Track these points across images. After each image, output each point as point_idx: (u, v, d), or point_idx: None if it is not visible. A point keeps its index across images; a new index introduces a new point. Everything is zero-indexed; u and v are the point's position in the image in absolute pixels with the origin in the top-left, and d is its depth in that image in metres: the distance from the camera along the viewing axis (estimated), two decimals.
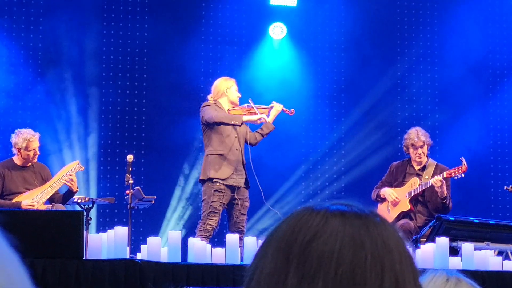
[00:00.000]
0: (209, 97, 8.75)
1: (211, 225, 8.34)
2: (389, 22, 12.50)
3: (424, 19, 12.56)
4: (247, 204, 8.59)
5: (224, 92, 8.66)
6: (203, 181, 8.61)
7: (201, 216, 8.63)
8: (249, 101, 8.76)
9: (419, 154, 8.93)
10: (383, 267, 1.23)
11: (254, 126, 8.94)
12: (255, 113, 8.65)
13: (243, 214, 8.53)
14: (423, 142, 8.92)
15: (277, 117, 8.83)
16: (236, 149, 8.54)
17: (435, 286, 2.11)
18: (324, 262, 1.23)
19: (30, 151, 8.63)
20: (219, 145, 8.50)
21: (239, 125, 8.48)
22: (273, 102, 8.79)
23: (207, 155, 8.61)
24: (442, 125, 12.23)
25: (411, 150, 8.98)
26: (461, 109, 12.31)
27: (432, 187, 8.70)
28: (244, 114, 8.62)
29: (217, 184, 8.39)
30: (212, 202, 8.36)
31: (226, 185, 8.43)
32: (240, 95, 8.74)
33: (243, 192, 8.56)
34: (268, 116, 8.71)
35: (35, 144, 8.66)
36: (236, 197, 8.46)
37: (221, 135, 8.52)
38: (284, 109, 8.78)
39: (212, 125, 8.51)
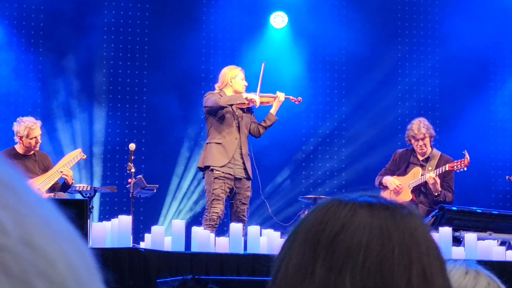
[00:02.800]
0: (216, 86, 8.72)
1: (216, 213, 8.28)
2: (392, 11, 12.48)
3: (426, 8, 12.54)
4: (248, 193, 8.53)
5: (229, 82, 8.59)
6: (202, 170, 8.59)
7: (205, 205, 8.60)
8: (263, 65, 8.63)
9: (421, 146, 8.91)
10: (411, 259, 1.24)
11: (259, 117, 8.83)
12: (261, 102, 8.61)
13: (244, 204, 8.47)
14: (424, 134, 8.88)
15: (281, 106, 8.75)
16: (236, 138, 8.49)
17: (454, 278, 2.10)
18: (352, 254, 1.23)
19: (31, 139, 8.62)
20: (218, 134, 8.47)
21: (246, 103, 8.43)
22: (277, 92, 8.71)
23: (206, 143, 8.60)
24: (444, 116, 12.23)
25: (412, 141, 8.97)
26: (463, 100, 12.31)
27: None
28: (248, 104, 8.57)
29: (216, 172, 8.36)
30: (213, 190, 8.33)
31: (224, 173, 8.39)
32: (246, 84, 8.64)
33: (244, 182, 8.51)
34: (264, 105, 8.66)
35: (37, 132, 8.66)
36: (234, 187, 8.41)
37: (222, 124, 8.48)
38: (290, 97, 8.71)
39: (215, 112, 8.46)
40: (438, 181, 8.67)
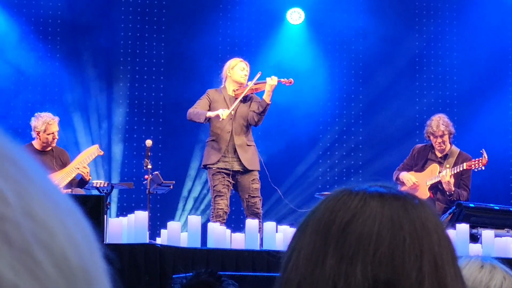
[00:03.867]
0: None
1: (221, 209, 8.23)
2: (412, 6, 12.43)
3: (444, 4, 12.49)
4: (256, 185, 8.37)
5: (227, 73, 8.56)
6: (204, 168, 8.62)
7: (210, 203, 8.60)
8: (258, 75, 8.49)
9: (439, 143, 8.84)
10: (422, 249, 1.23)
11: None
12: (254, 91, 8.50)
13: (254, 197, 8.32)
14: (443, 131, 8.81)
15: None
16: (228, 132, 8.37)
17: (469, 272, 2.10)
18: (362, 244, 1.22)
19: (49, 134, 8.65)
20: (212, 130, 8.46)
21: (203, 122, 8.41)
22: (267, 78, 8.42)
23: (206, 141, 8.64)
24: (462, 113, 12.18)
25: (431, 138, 8.91)
26: (482, 97, 12.26)
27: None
28: (252, 91, 8.48)
29: (213, 169, 8.35)
30: (214, 186, 8.30)
31: (220, 169, 8.35)
32: (246, 74, 8.51)
33: (245, 174, 8.37)
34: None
35: (54, 128, 8.68)
36: (236, 181, 8.34)
37: (215, 121, 8.39)
38: (282, 80, 8.47)
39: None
40: (452, 181, 8.61)
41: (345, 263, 1.22)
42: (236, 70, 8.50)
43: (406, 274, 1.21)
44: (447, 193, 8.64)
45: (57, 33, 11.63)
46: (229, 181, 8.33)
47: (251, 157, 8.38)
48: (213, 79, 11.74)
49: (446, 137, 8.82)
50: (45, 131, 8.64)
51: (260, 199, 8.41)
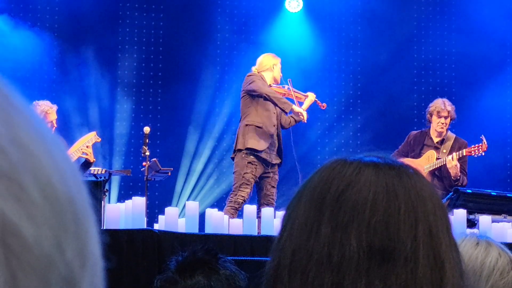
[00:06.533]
0: (253, 68, 8.75)
1: (242, 196, 8.30)
2: None
3: None
4: (277, 177, 8.60)
5: (271, 67, 8.70)
6: (238, 151, 8.55)
7: (232, 187, 8.61)
8: (289, 81, 8.80)
9: (442, 123, 8.79)
10: (417, 218, 1.23)
11: None
12: (293, 97, 8.69)
13: (273, 187, 8.52)
14: (449, 112, 8.80)
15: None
16: (274, 125, 8.56)
17: (465, 249, 2.10)
18: (357, 212, 1.22)
19: (47, 123, 8.63)
20: (259, 117, 8.50)
21: (286, 113, 8.56)
22: (309, 92, 8.85)
23: (246, 124, 8.52)
24: (461, 99, 12.17)
25: (434, 117, 8.82)
26: (480, 82, 12.25)
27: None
28: (284, 95, 8.67)
29: (251, 157, 8.39)
30: (245, 173, 8.35)
31: (259, 158, 8.43)
32: (281, 75, 8.81)
33: (275, 167, 8.60)
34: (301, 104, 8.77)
35: (53, 117, 8.69)
36: (269, 170, 8.48)
37: (262, 108, 8.52)
38: (317, 100, 8.83)
39: (256, 97, 8.50)
40: (458, 165, 8.62)
41: (340, 231, 1.22)
42: (278, 68, 8.77)
43: (401, 242, 1.21)
44: (453, 178, 8.62)
45: (55, 20, 11.62)
46: (259, 172, 8.47)
47: (281, 153, 8.68)
48: (213, 67, 11.75)
49: (448, 120, 8.80)
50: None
51: (276, 191, 8.59)
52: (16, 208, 0.49)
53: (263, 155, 8.43)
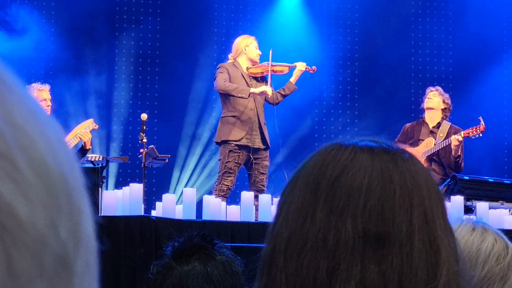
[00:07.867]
0: (230, 56, 8.71)
1: (226, 185, 8.34)
2: None
3: None
4: (266, 163, 8.52)
5: (243, 50, 8.58)
6: (219, 144, 8.60)
7: (217, 176, 8.63)
8: (270, 52, 8.61)
9: (429, 98, 8.96)
10: (412, 202, 1.23)
11: (276, 84, 8.78)
12: (272, 71, 8.58)
13: (262, 174, 8.47)
14: (437, 90, 8.95)
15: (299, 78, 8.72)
16: (251, 109, 8.44)
17: (461, 234, 2.10)
18: (352, 197, 1.22)
19: (40, 101, 8.57)
20: (233, 106, 8.45)
21: (246, 98, 8.40)
22: (296, 63, 8.67)
23: (221, 117, 8.59)
24: (458, 86, 12.18)
25: (425, 101, 9.03)
26: (476, 69, 12.25)
27: (447, 145, 8.72)
28: (262, 73, 8.58)
29: (232, 145, 8.38)
30: (227, 162, 8.36)
31: (240, 146, 8.40)
32: (260, 53, 8.62)
33: (262, 152, 8.50)
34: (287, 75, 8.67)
35: (45, 94, 8.57)
36: (252, 157, 8.42)
37: (236, 97, 8.44)
38: (307, 67, 8.68)
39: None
40: (462, 143, 8.73)
41: (335, 216, 1.22)
42: (252, 48, 8.59)
43: (397, 227, 1.21)
44: (455, 155, 8.68)
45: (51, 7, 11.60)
46: (243, 159, 8.41)
47: (267, 135, 8.54)
48: (211, 55, 11.73)
49: (437, 96, 8.90)
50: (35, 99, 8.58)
51: (267, 177, 8.53)
52: (11, 187, 0.50)
53: (243, 141, 8.40)
